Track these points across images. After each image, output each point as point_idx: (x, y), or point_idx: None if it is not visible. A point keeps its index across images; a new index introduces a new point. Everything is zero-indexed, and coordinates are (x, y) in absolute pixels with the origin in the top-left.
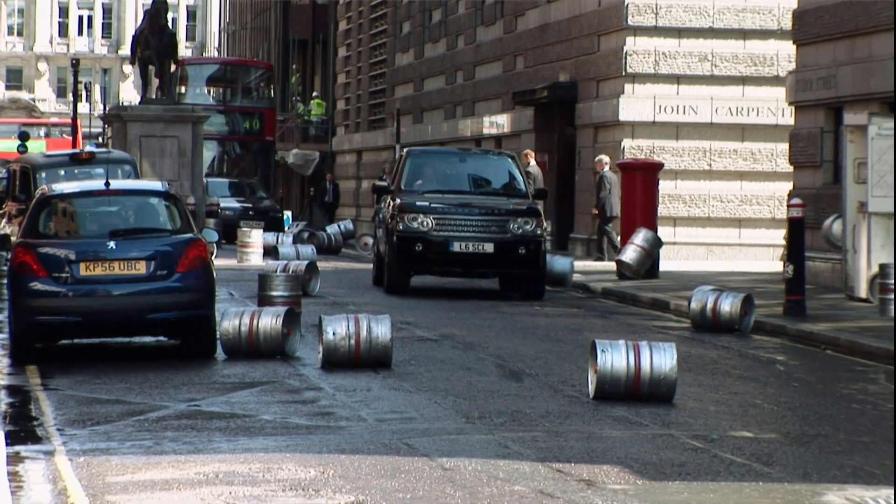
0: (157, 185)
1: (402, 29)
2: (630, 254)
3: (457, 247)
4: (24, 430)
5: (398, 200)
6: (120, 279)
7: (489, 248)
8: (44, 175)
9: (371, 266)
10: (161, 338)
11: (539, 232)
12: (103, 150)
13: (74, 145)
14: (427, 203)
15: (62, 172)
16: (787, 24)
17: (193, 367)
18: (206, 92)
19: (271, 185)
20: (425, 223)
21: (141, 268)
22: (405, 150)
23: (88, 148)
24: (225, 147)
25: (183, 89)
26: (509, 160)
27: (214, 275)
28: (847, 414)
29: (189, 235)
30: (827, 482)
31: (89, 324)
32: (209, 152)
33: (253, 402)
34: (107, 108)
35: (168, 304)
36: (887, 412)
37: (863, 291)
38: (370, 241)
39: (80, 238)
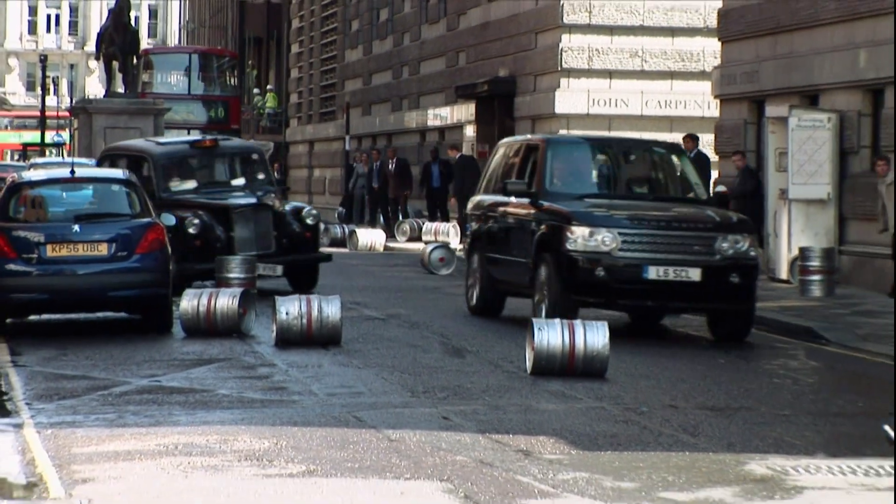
0: (118, 172)
1: (352, 27)
2: None
3: (652, 273)
4: None
5: (553, 206)
6: (84, 260)
7: (695, 274)
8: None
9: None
10: (121, 314)
11: (753, 254)
12: (223, 136)
13: (43, 136)
14: (607, 213)
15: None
16: (713, 22)
17: (154, 345)
18: (171, 80)
19: None
20: (606, 240)
21: (103, 249)
22: (542, 138)
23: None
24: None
25: (148, 77)
26: (682, 155)
27: (171, 256)
28: (769, 388)
29: (148, 220)
30: (750, 452)
31: (56, 301)
32: None
33: (210, 378)
34: (73, 102)
35: (128, 283)
36: (807, 387)
37: (784, 273)
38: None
39: (47, 222)
